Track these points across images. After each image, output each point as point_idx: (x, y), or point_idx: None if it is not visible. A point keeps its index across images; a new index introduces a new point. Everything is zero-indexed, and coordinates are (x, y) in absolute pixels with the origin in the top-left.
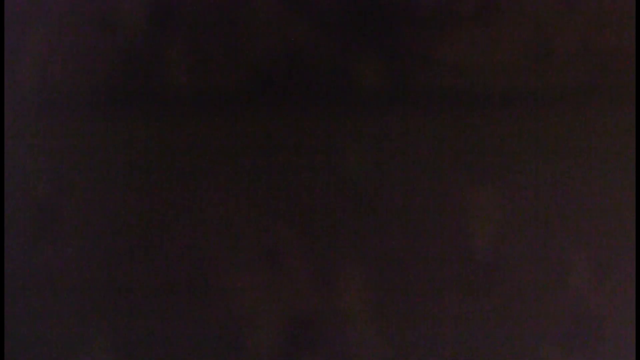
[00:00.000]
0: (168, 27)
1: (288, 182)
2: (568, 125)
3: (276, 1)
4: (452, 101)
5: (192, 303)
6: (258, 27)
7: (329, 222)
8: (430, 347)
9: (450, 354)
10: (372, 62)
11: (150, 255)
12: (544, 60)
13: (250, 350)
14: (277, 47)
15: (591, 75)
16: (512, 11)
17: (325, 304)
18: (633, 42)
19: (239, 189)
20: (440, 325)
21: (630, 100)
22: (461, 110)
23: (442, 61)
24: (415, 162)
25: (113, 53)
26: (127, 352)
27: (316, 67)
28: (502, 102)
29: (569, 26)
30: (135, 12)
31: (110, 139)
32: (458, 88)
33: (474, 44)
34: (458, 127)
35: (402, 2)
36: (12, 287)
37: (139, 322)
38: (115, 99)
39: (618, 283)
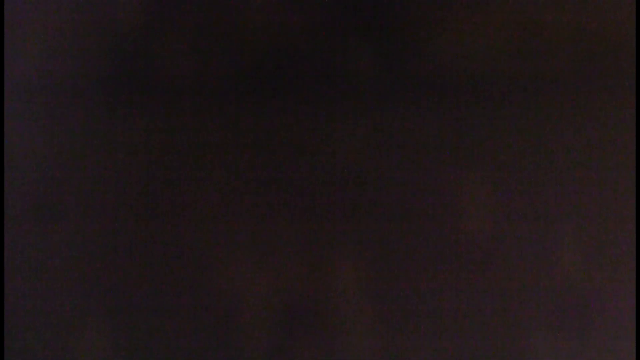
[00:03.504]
0: (165, 25)
1: (284, 167)
2: (561, 112)
3: None
4: (446, 89)
5: (190, 285)
6: (254, 18)
7: (323, 205)
8: (422, 326)
9: (442, 333)
10: (366, 51)
11: (149, 238)
12: (538, 49)
13: (245, 330)
14: (272, 38)
15: (586, 64)
16: (506, 2)
17: (319, 284)
18: (633, 35)
19: (236, 175)
20: (432, 306)
21: (630, 95)
22: (455, 97)
23: (435, 50)
24: (410, 148)
25: (112, 50)
26: (124, 330)
27: (311, 58)
28: (495, 90)
29: (564, 13)
30: (133, 8)
31: (110, 137)
32: (452, 77)
33: (468, 32)
34: (452, 114)
35: None
36: (12, 285)
37: (136, 304)
38: (115, 99)
39: (612, 268)
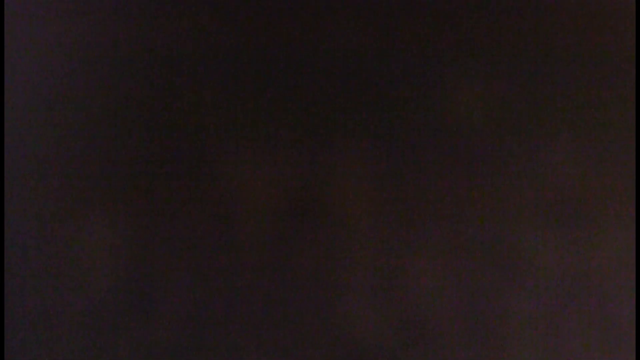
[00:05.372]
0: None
1: (284, 59)
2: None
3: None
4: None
5: (189, 178)
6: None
7: (322, 97)
8: (418, 219)
9: (439, 225)
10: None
11: (150, 134)
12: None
13: (246, 224)
14: None
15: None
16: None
17: (319, 177)
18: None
19: (235, 71)
20: (430, 199)
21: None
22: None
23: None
24: (415, 52)
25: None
26: (124, 222)
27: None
28: None
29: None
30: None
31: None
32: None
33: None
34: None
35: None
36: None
37: (136, 195)
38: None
39: (609, 163)
